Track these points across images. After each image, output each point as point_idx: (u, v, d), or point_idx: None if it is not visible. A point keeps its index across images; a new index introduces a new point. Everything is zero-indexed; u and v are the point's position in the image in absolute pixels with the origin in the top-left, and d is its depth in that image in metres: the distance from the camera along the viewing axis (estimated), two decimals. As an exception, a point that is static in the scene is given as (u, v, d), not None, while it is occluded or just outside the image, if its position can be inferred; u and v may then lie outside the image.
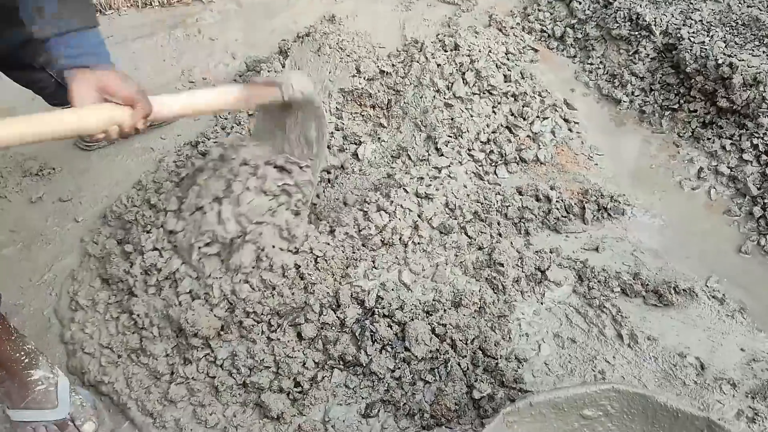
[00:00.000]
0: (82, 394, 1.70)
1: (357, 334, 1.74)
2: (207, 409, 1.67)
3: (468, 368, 1.70)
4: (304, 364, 1.71)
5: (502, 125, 2.37)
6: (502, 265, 1.92)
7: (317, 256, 1.87)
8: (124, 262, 1.92)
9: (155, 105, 1.41)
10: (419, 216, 2.03)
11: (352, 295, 1.83)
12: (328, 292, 1.82)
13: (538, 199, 2.15)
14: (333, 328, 1.76)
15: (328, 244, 1.92)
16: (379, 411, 1.64)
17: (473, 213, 2.08)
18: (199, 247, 1.79)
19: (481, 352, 1.73)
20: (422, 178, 2.15)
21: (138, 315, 1.80)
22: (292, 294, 1.81)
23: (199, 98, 1.53)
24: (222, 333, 1.76)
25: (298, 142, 1.83)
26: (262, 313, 1.77)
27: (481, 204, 2.11)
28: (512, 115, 2.41)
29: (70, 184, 2.32)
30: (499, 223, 2.07)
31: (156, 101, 1.41)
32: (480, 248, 2.00)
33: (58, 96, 2.14)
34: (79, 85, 1.32)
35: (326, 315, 1.77)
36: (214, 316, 1.75)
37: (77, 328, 1.86)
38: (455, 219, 2.06)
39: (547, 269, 1.93)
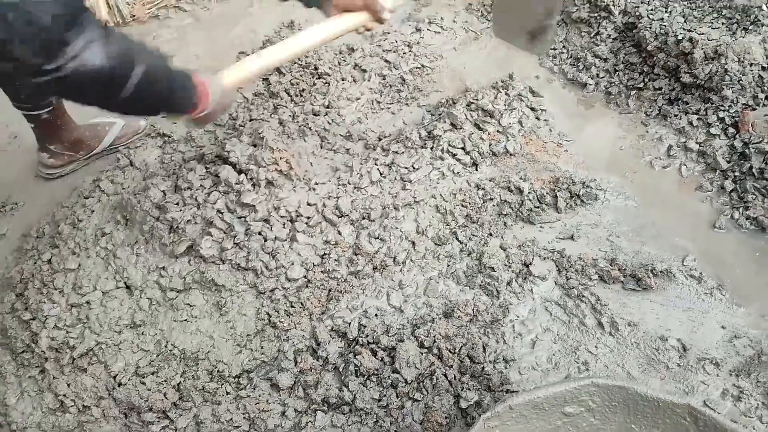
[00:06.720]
0: None
1: (341, 369, 1.67)
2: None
3: (455, 377, 1.65)
4: (284, 413, 1.63)
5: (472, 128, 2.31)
6: (493, 269, 1.87)
7: (291, 302, 1.80)
8: (24, 332, 1.75)
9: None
10: (416, 231, 1.97)
11: (332, 329, 1.76)
12: (303, 335, 1.76)
13: (510, 191, 2.12)
14: (312, 371, 1.68)
15: (308, 282, 1.84)
16: (369, 446, 1.58)
17: (465, 216, 2.02)
18: None
19: (468, 359, 1.68)
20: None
21: (65, 395, 1.65)
22: (262, 348, 1.74)
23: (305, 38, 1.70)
24: (180, 402, 1.67)
25: None
26: (228, 375, 1.70)
27: (469, 205, 2.05)
28: (480, 110, 2.37)
29: (34, 218, 2.26)
30: (490, 223, 2.01)
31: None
32: (470, 254, 1.95)
33: (31, 100, 2.03)
34: (330, 6, 1.73)
35: (302, 362, 1.69)
36: (171, 387, 1.66)
37: None
38: (447, 225, 2.00)
39: (531, 264, 1.90)
